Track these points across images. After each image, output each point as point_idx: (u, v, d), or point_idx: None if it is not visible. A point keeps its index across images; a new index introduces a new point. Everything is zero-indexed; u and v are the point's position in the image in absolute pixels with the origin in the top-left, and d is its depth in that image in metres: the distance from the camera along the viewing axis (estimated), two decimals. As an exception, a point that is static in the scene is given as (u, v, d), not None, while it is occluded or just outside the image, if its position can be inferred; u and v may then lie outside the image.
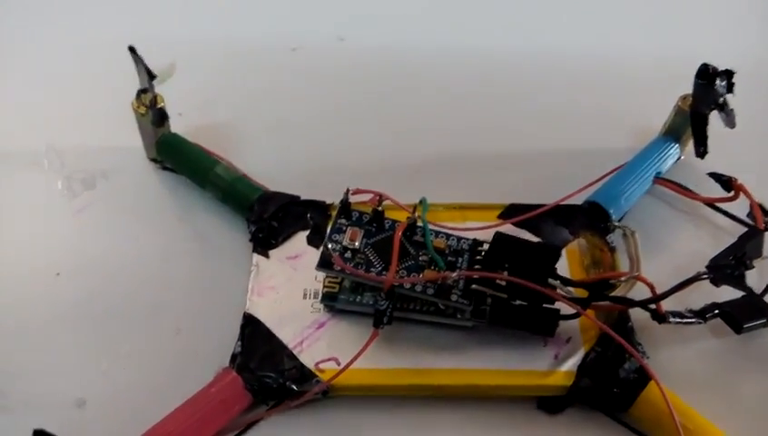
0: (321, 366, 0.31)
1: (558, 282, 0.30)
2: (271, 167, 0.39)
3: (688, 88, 0.37)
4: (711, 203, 0.37)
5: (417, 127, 0.43)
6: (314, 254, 0.35)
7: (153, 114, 0.36)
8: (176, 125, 0.40)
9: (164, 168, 0.40)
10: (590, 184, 0.38)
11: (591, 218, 0.36)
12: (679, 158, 0.40)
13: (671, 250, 0.37)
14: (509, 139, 0.42)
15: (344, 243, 0.32)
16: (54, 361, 0.33)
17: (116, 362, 0.33)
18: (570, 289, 0.31)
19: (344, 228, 0.33)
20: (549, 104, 0.44)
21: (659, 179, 0.38)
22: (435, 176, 0.40)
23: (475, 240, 0.33)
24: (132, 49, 0.33)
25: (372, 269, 0.31)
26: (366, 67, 0.47)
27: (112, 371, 0.32)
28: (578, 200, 0.37)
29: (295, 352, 0.32)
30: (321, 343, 0.32)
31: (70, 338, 0.34)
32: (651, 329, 0.33)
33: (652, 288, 0.30)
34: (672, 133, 0.39)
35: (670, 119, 0.39)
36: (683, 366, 0.32)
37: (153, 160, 0.40)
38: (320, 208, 0.37)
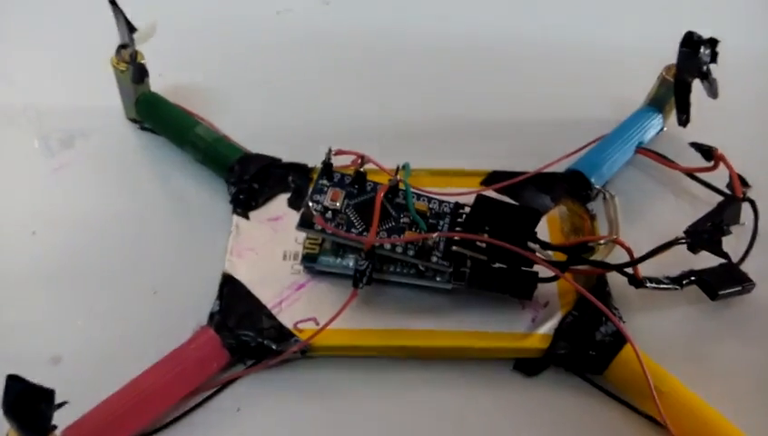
0: (300, 326, 0.31)
1: (538, 245, 0.30)
2: (253, 130, 0.39)
3: (671, 58, 0.37)
4: (691, 173, 0.37)
5: (401, 94, 0.43)
6: (295, 217, 0.34)
7: (133, 71, 0.35)
8: (156, 86, 0.39)
9: (143, 128, 0.39)
10: (572, 153, 0.38)
11: (572, 186, 0.36)
12: (661, 129, 0.40)
13: (650, 219, 0.37)
14: (493, 107, 0.42)
15: (325, 203, 0.32)
16: (29, 319, 0.33)
17: (92, 321, 0.32)
18: (549, 253, 0.31)
19: (325, 189, 0.32)
20: (534, 74, 0.44)
21: (641, 149, 0.38)
22: (418, 142, 0.40)
23: (456, 203, 0.33)
24: (112, 1, 0.33)
25: (353, 230, 0.31)
26: (351, 32, 0.46)
27: (88, 328, 0.32)
28: (560, 168, 0.37)
29: (274, 312, 0.31)
30: (300, 304, 0.32)
31: (45, 296, 0.33)
32: (628, 295, 0.33)
33: (630, 252, 0.30)
34: (655, 104, 0.39)
35: (654, 89, 0.39)
36: (658, 332, 0.33)
37: (132, 120, 0.40)
38: (301, 171, 0.37)
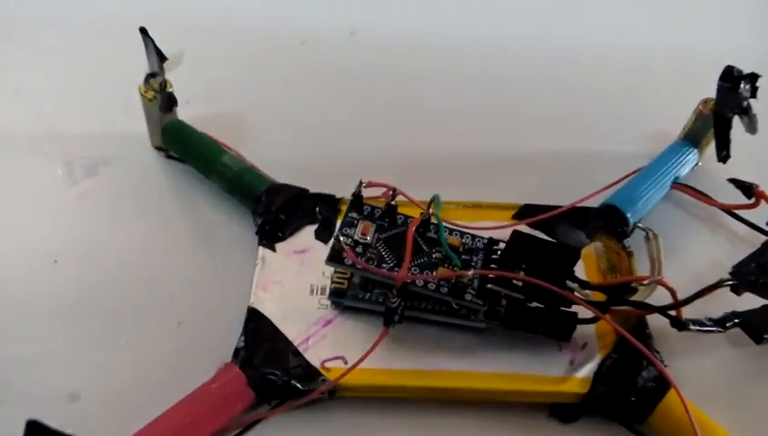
0: (328, 365, 0.30)
1: (576, 284, 0.29)
2: (280, 160, 0.38)
3: (707, 93, 0.36)
4: (730, 210, 0.36)
5: (430, 124, 0.42)
6: (322, 249, 0.34)
7: (162, 99, 0.35)
8: (182, 114, 0.39)
9: (168, 157, 0.39)
10: (606, 188, 0.37)
11: (608, 221, 0.35)
12: (697, 164, 0.39)
13: (687, 257, 0.36)
14: (524, 139, 0.41)
15: (355, 237, 0.31)
16: (47, 352, 0.32)
17: (113, 355, 0.32)
18: (588, 292, 0.30)
19: (355, 222, 0.31)
20: (566, 106, 0.43)
21: (677, 184, 0.37)
22: (447, 174, 0.39)
23: (491, 238, 0.32)
24: (143, 30, 0.32)
25: (384, 265, 0.30)
26: (378, 62, 0.46)
27: (108, 364, 0.31)
28: (593, 203, 0.36)
29: (300, 350, 0.30)
30: (328, 341, 0.31)
31: (65, 328, 0.32)
32: (667, 337, 0.32)
33: (673, 293, 0.29)
34: (691, 138, 0.38)
35: (690, 123, 0.38)
36: (699, 376, 0.31)
37: (158, 148, 0.39)
38: (329, 202, 0.36)
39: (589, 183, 0.37)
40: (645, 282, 0.29)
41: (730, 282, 0.29)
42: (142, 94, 0.36)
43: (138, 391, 0.30)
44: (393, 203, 0.31)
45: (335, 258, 0.30)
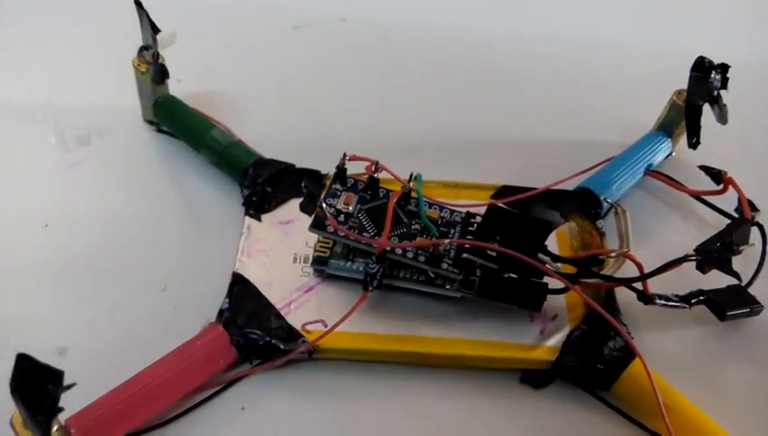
0: (308, 327, 0.31)
1: (548, 257, 0.31)
2: (268, 137, 0.39)
3: (681, 85, 0.37)
4: (699, 197, 0.38)
5: (414, 107, 0.43)
6: (306, 221, 0.34)
7: (154, 71, 0.36)
8: (175, 92, 0.40)
9: (160, 130, 0.40)
10: (581, 172, 0.38)
11: (582, 203, 0.36)
12: (670, 154, 0.40)
13: (658, 241, 0.37)
14: (503, 124, 0.43)
15: (338, 207, 0.32)
16: (37, 311, 0.33)
17: (100, 314, 0.32)
18: (558, 265, 0.31)
19: (339, 193, 0.33)
20: (545, 94, 0.45)
21: (650, 171, 0.38)
22: (430, 155, 0.40)
23: (468, 212, 0.33)
24: (137, 2, 0.33)
25: (365, 234, 0.31)
26: (367, 48, 0.47)
27: (95, 322, 0.32)
28: (568, 187, 0.37)
29: (282, 313, 0.31)
30: (309, 306, 0.32)
31: (54, 289, 0.33)
32: (635, 312, 0.33)
33: (640, 266, 0.30)
34: (665, 128, 0.40)
35: (664, 113, 0.39)
36: (665, 350, 0.33)
37: (149, 122, 0.40)
38: (314, 177, 0.37)
39: (565, 169, 0.38)
40: (613, 254, 0.30)
41: (694, 258, 0.30)
42: (135, 67, 0.37)
43: (124, 348, 0.31)
44: (376, 176, 0.33)
45: (318, 225, 0.31)
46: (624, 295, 0.32)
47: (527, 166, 0.40)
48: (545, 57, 0.47)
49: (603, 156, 0.39)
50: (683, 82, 0.37)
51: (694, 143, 0.36)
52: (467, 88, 0.45)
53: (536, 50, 0.48)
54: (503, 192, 0.37)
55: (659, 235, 0.38)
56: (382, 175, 0.33)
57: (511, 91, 0.45)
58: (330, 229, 0.31)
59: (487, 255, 0.30)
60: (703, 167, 0.36)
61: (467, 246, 0.31)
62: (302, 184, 0.37)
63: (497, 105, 0.44)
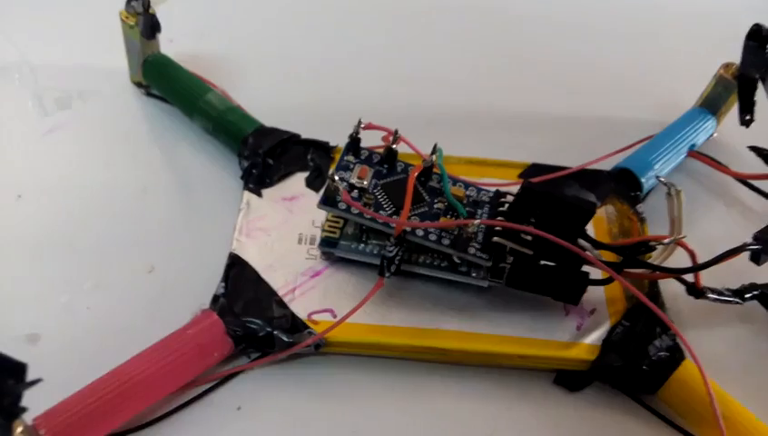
0: (315, 317, 0.27)
1: (589, 244, 0.27)
2: (269, 104, 0.35)
3: (724, 57, 0.34)
4: (745, 181, 0.34)
5: (433, 76, 0.40)
6: (313, 197, 0.31)
7: (144, 23, 0.32)
8: (166, 52, 0.36)
9: (149, 94, 0.36)
10: (617, 152, 0.35)
11: (620, 185, 0.33)
12: (712, 134, 0.37)
13: (700, 229, 0.34)
14: (530, 99, 0.39)
15: (351, 181, 0.28)
16: (5, 290, 0.29)
17: (77, 297, 0.29)
18: (598, 253, 0.27)
19: (352, 166, 0.29)
20: (574, 67, 0.41)
21: (693, 152, 0.35)
22: (451, 130, 0.36)
23: (497, 191, 0.29)
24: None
25: (381, 212, 0.28)
26: (382, 7, 0.43)
27: (72, 306, 0.28)
28: (603, 167, 0.34)
29: (285, 300, 0.28)
30: (316, 293, 0.28)
31: (26, 266, 0.30)
32: (678, 307, 0.30)
33: (693, 255, 0.27)
34: (709, 105, 0.36)
35: (708, 88, 0.36)
36: (711, 349, 0.29)
37: (138, 84, 0.36)
38: (322, 149, 0.33)
39: (597, 148, 0.35)
40: (666, 241, 0.26)
41: (753, 247, 0.27)
42: (122, 21, 0.33)
43: (104, 336, 0.27)
44: (394, 146, 0.29)
45: (329, 201, 0.28)
46: (665, 287, 0.29)
47: (556, 144, 0.37)
48: (575, 26, 0.44)
49: (637, 135, 0.36)
50: (728, 54, 0.33)
51: (747, 120, 0.32)
52: (492, 58, 0.41)
53: (567, 18, 0.44)
54: (532, 170, 0.33)
55: (701, 222, 0.34)
56: (400, 149, 0.29)
57: (538, 63, 0.41)
58: (343, 206, 0.27)
59: (521, 239, 0.27)
60: (753, 148, 0.33)
61: (498, 229, 0.27)
62: (308, 157, 0.33)
63: (523, 78, 0.40)
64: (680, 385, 0.26)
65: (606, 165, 0.34)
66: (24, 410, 0.19)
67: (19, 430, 0.21)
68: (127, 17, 0.33)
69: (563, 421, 0.27)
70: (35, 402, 0.21)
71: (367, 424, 0.26)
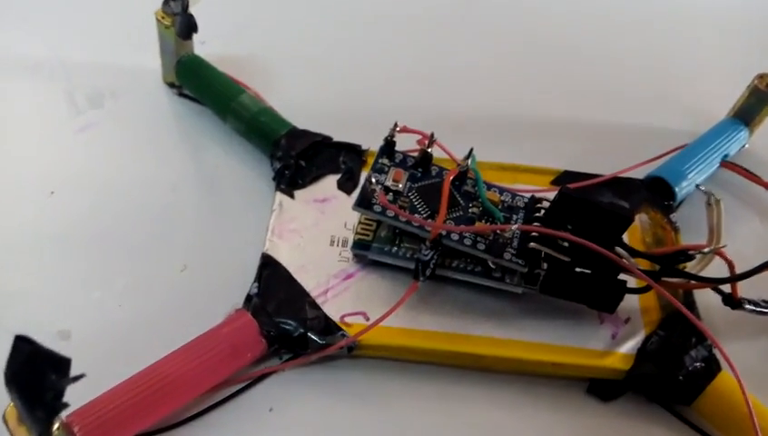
0: (347, 320, 0.27)
1: (626, 252, 0.27)
2: (302, 106, 0.35)
3: (757, 70, 0.34)
4: (781, 194, 0.34)
5: (466, 81, 0.39)
6: (345, 200, 0.31)
7: (181, 23, 0.32)
8: (199, 54, 0.36)
9: (181, 94, 0.36)
10: (649, 161, 0.34)
11: (653, 194, 0.33)
12: (744, 146, 0.36)
13: (734, 241, 0.33)
14: (562, 105, 0.39)
15: (386, 184, 0.28)
16: (37, 287, 0.29)
17: (109, 295, 0.29)
18: (634, 261, 0.27)
19: (386, 169, 0.29)
20: (607, 74, 0.41)
21: (726, 162, 0.35)
22: (483, 136, 0.35)
23: (533, 196, 0.29)
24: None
25: (416, 216, 0.27)
26: (417, 12, 0.43)
27: (104, 303, 0.28)
28: (635, 175, 0.34)
29: (318, 302, 0.28)
30: (348, 296, 0.28)
31: (59, 263, 0.30)
32: (712, 318, 0.29)
33: (731, 265, 0.26)
34: (742, 116, 0.36)
35: (742, 99, 0.35)
36: (746, 362, 0.29)
37: (170, 84, 0.36)
38: (354, 151, 0.33)
39: (628, 156, 0.34)
40: (706, 250, 0.26)
41: (792, 259, 0.27)
42: (158, 21, 0.33)
43: (136, 334, 0.27)
44: (429, 151, 0.29)
45: (364, 203, 0.27)
46: (699, 297, 0.29)
47: (587, 151, 0.36)
48: (608, 34, 0.43)
49: (668, 144, 0.35)
50: (763, 64, 0.33)
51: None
52: (524, 64, 0.41)
53: (600, 26, 0.44)
54: (565, 177, 0.33)
55: (734, 235, 0.33)
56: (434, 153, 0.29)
57: (570, 70, 0.41)
58: (378, 208, 0.27)
59: (557, 246, 0.26)
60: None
61: (534, 235, 0.27)
62: (340, 159, 0.33)
63: (555, 84, 0.40)
64: (716, 397, 0.26)
65: (638, 174, 0.34)
66: (65, 405, 0.19)
67: (56, 426, 0.21)
68: (163, 17, 0.33)
69: (596, 431, 0.27)
70: (68, 400, 0.21)
71: (395, 429, 0.26)
